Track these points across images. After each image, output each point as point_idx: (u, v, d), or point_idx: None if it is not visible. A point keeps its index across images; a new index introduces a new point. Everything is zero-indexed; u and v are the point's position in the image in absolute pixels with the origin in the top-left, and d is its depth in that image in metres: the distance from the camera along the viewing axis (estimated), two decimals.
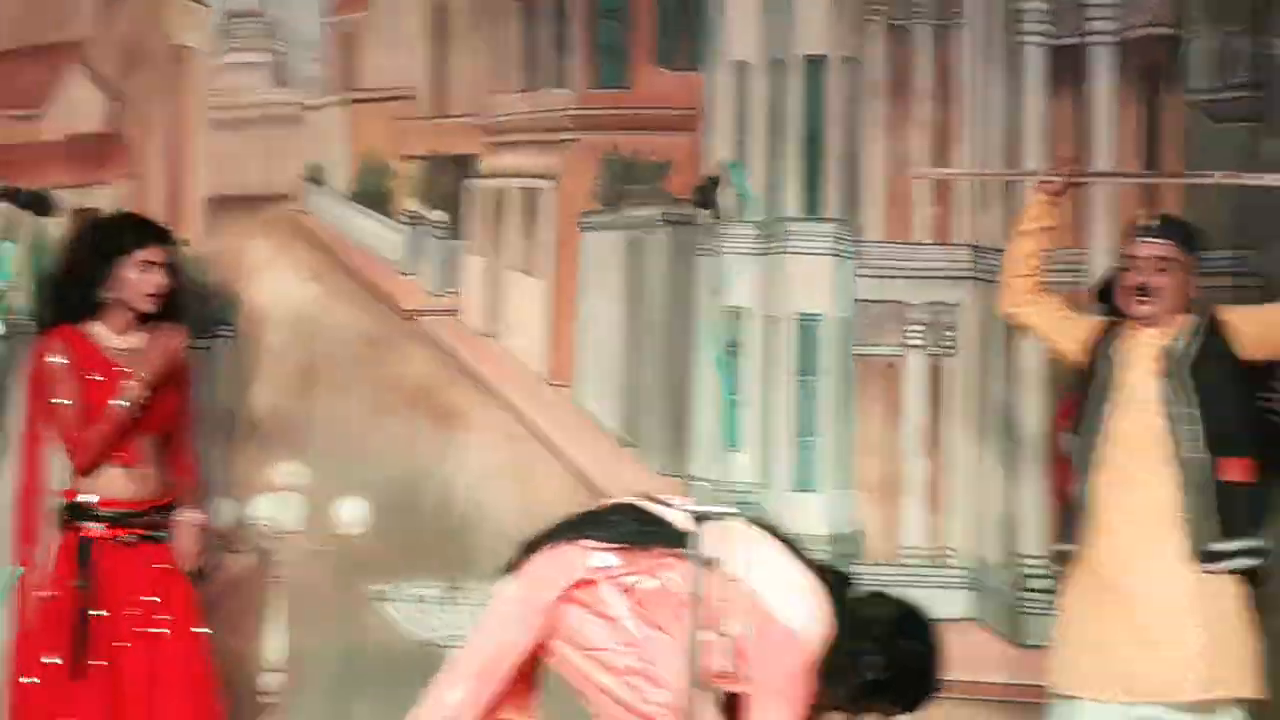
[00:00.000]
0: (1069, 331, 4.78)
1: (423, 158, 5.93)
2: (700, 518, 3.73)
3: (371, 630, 5.73)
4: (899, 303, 5.59)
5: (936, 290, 5.52)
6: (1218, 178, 4.79)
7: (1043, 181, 4.83)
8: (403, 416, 5.79)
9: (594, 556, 3.87)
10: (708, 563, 3.61)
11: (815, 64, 5.63)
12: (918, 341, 5.58)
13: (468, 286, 5.89)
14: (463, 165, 5.89)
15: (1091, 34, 5.50)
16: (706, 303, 5.49)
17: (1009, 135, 5.56)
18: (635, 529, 3.89)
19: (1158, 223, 4.70)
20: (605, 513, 4.01)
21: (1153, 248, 4.64)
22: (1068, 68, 5.52)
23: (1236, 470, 4.54)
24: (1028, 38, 5.56)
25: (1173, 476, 4.52)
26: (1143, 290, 4.62)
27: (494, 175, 5.90)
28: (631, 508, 4.01)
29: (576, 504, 5.56)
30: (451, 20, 5.92)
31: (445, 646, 5.61)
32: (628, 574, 3.86)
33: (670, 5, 5.77)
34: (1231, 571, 4.50)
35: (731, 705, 3.83)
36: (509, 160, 5.89)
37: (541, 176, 5.86)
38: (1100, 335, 4.70)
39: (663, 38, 5.77)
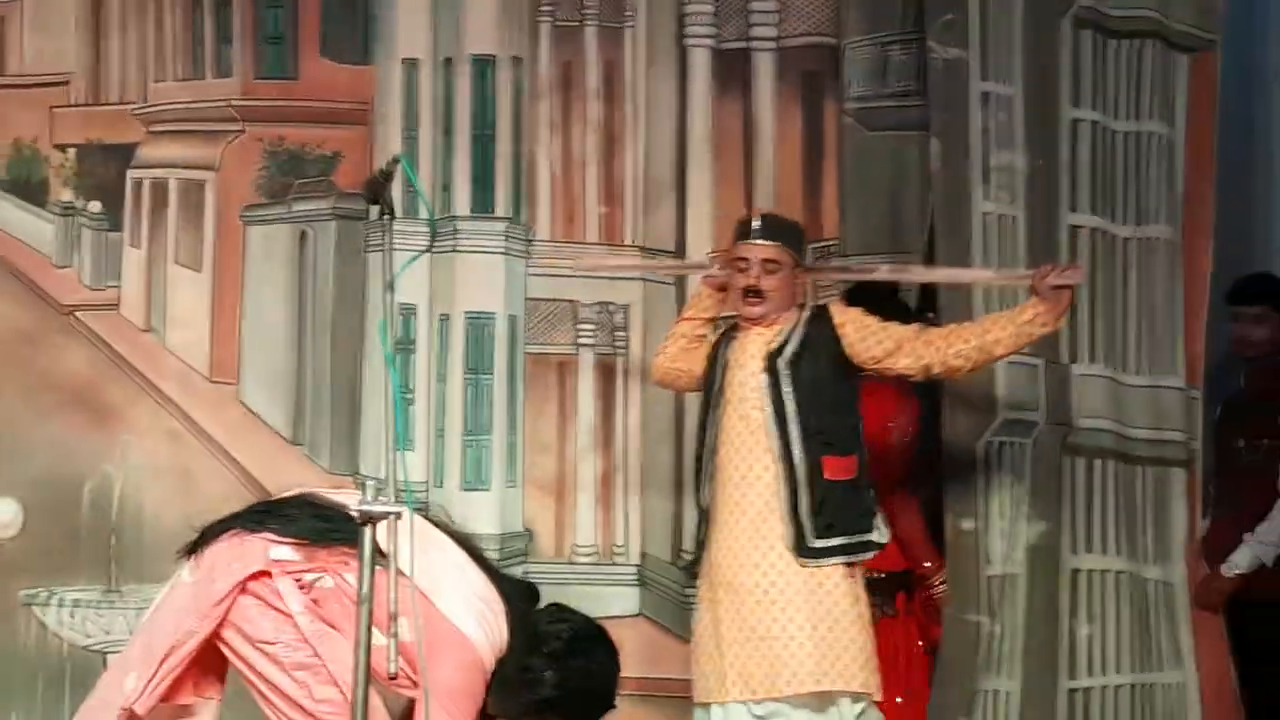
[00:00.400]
0: (700, 353, 4.80)
1: (79, 147, 5.76)
2: (367, 517, 3.71)
3: (23, 636, 5.58)
4: (570, 302, 5.66)
5: (607, 290, 5.60)
6: (884, 271, 4.91)
7: (707, 277, 4.88)
8: (59, 414, 5.64)
9: (274, 549, 3.81)
10: (380, 561, 3.59)
11: (484, 63, 5.65)
12: (589, 341, 5.66)
13: (127, 280, 5.76)
14: (122, 155, 5.75)
15: (755, 39, 5.65)
16: (377, 299, 5.46)
17: (677, 136, 5.68)
18: (316, 525, 3.83)
19: (761, 224, 4.69)
20: (286, 505, 3.94)
21: (760, 249, 4.64)
22: (735, 72, 5.68)
23: (838, 469, 4.59)
24: (694, 40, 5.69)
25: (778, 473, 4.58)
26: (753, 292, 4.63)
27: (154, 165, 5.78)
28: (311, 502, 3.96)
29: (242, 504, 5.51)
30: (109, 4, 5.77)
31: (103, 652, 5.48)
32: (306, 570, 3.81)
33: None
34: (848, 564, 4.58)
35: (410, 712, 3.83)
36: (170, 150, 5.78)
37: (203, 167, 5.77)
38: (718, 342, 4.76)
39: (331, 31, 5.73)
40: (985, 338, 4.52)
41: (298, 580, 3.80)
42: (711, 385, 4.71)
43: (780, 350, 4.64)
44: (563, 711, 3.85)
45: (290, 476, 5.58)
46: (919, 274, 4.82)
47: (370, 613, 3.70)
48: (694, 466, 4.80)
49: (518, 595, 3.90)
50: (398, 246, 3.91)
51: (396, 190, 3.99)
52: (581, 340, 5.66)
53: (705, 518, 4.70)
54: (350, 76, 5.72)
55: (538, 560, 5.58)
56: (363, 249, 5.67)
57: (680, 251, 5.65)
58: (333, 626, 3.79)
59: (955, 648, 5.00)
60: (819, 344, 4.64)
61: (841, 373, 4.64)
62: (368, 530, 3.68)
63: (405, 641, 3.62)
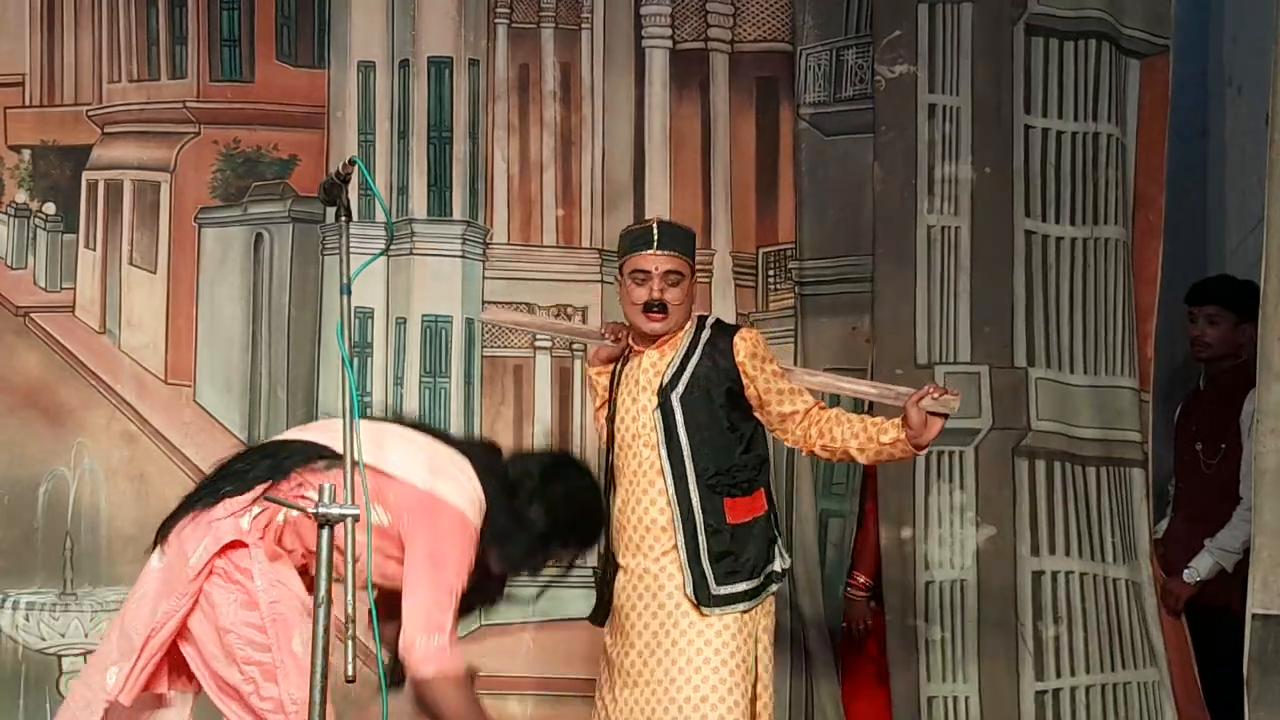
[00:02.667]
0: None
1: (33, 148, 5.80)
2: (325, 519, 3.75)
3: None
4: (528, 305, 5.71)
5: (564, 293, 5.64)
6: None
7: (595, 351, 4.67)
8: (13, 416, 5.68)
9: (243, 519, 3.83)
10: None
11: (441, 65, 5.69)
12: (546, 344, 5.72)
13: (82, 282, 5.79)
14: (77, 156, 5.79)
15: (711, 41, 5.73)
16: (333, 302, 5.50)
17: (635, 138, 5.75)
18: (268, 464, 3.87)
19: (660, 233, 4.44)
20: (235, 461, 3.98)
21: (662, 260, 4.39)
22: (692, 75, 5.76)
23: (743, 510, 4.41)
24: (651, 42, 5.76)
25: (673, 518, 4.38)
26: (656, 306, 4.39)
27: (109, 167, 5.82)
28: (261, 447, 4.02)
29: None
30: (64, 5, 5.81)
31: (58, 655, 5.50)
32: (267, 516, 3.85)
33: (293, 1, 5.78)
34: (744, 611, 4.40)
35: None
36: (124, 152, 5.82)
37: (158, 169, 5.81)
38: (616, 363, 4.57)
39: (286, 34, 5.75)
40: (850, 443, 4.33)
41: (261, 531, 3.82)
42: (611, 413, 4.50)
43: (675, 380, 4.41)
44: (561, 540, 3.98)
45: None
46: (800, 376, 4.55)
47: (328, 614, 3.76)
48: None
49: (482, 452, 3.97)
50: (354, 249, 3.96)
51: (353, 193, 4.04)
52: (539, 343, 5.72)
53: (609, 560, 4.54)
54: (306, 79, 5.78)
55: None
56: (319, 252, 5.72)
57: None
58: (295, 571, 3.84)
59: (896, 651, 5.09)
60: (717, 374, 4.41)
61: (740, 404, 4.43)
62: (325, 532, 3.73)
63: (382, 525, 3.68)
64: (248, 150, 5.76)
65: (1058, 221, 5.32)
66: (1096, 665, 5.26)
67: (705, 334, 4.48)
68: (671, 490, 4.39)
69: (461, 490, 3.85)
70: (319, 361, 5.68)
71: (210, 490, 3.95)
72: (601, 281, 5.69)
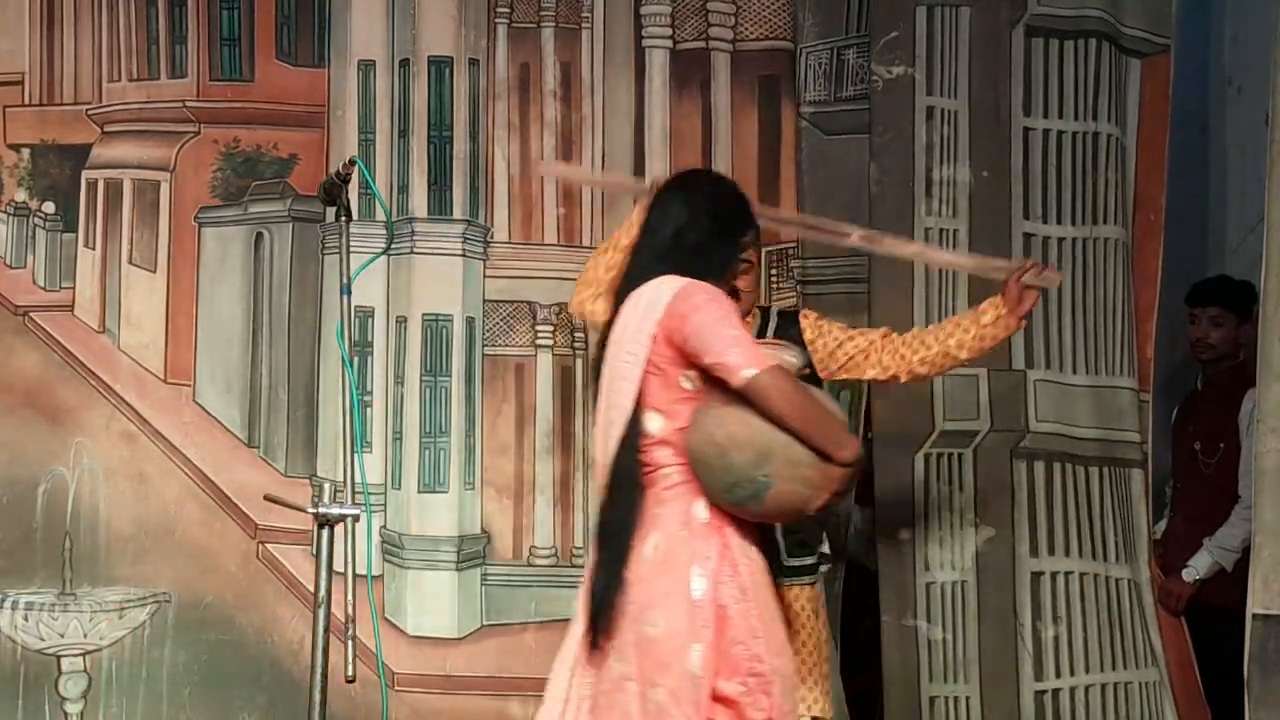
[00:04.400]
0: None
1: (33, 147, 5.83)
2: (325, 520, 3.78)
3: None
4: (528, 303, 5.74)
5: (565, 292, 5.65)
6: (855, 237, 4.63)
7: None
8: (12, 416, 5.70)
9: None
10: None
11: (441, 65, 5.72)
12: (547, 342, 5.75)
13: (81, 281, 5.82)
14: (77, 155, 5.82)
15: (712, 40, 5.77)
16: (333, 302, 5.51)
17: (635, 137, 5.78)
18: None
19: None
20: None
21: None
22: (692, 74, 5.80)
23: None
24: (651, 41, 5.79)
25: None
26: (732, 293, 4.46)
27: (108, 166, 5.84)
28: None
29: (197, 506, 5.59)
30: (63, 4, 5.84)
31: (57, 655, 5.53)
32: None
33: (293, 0, 5.82)
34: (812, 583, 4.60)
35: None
36: (124, 151, 5.85)
37: (158, 168, 5.83)
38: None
39: (286, 33, 5.78)
40: (948, 342, 4.41)
41: None
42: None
43: None
44: (728, 229, 4.05)
45: (246, 478, 5.69)
46: (889, 245, 4.62)
47: (328, 614, 3.79)
48: None
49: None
50: (354, 249, 4.00)
51: (353, 192, 4.07)
52: (540, 342, 5.75)
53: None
54: (306, 79, 5.81)
55: (496, 562, 5.69)
56: (319, 251, 5.75)
57: None
58: None
59: (895, 652, 5.12)
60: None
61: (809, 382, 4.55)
62: (324, 533, 3.77)
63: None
64: (248, 149, 5.79)
65: (1058, 222, 5.34)
66: (1096, 665, 5.28)
67: (773, 322, 4.64)
68: None
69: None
70: (319, 361, 5.72)
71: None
72: None
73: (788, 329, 4.60)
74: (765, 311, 4.70)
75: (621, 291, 4.03)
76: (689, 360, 3.87)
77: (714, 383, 3.85)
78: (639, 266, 4.03)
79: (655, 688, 3.77)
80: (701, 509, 3.87)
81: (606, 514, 3.93)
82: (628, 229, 4.38)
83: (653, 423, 3.89)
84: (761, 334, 4.61)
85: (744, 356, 3.78)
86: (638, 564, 3.84)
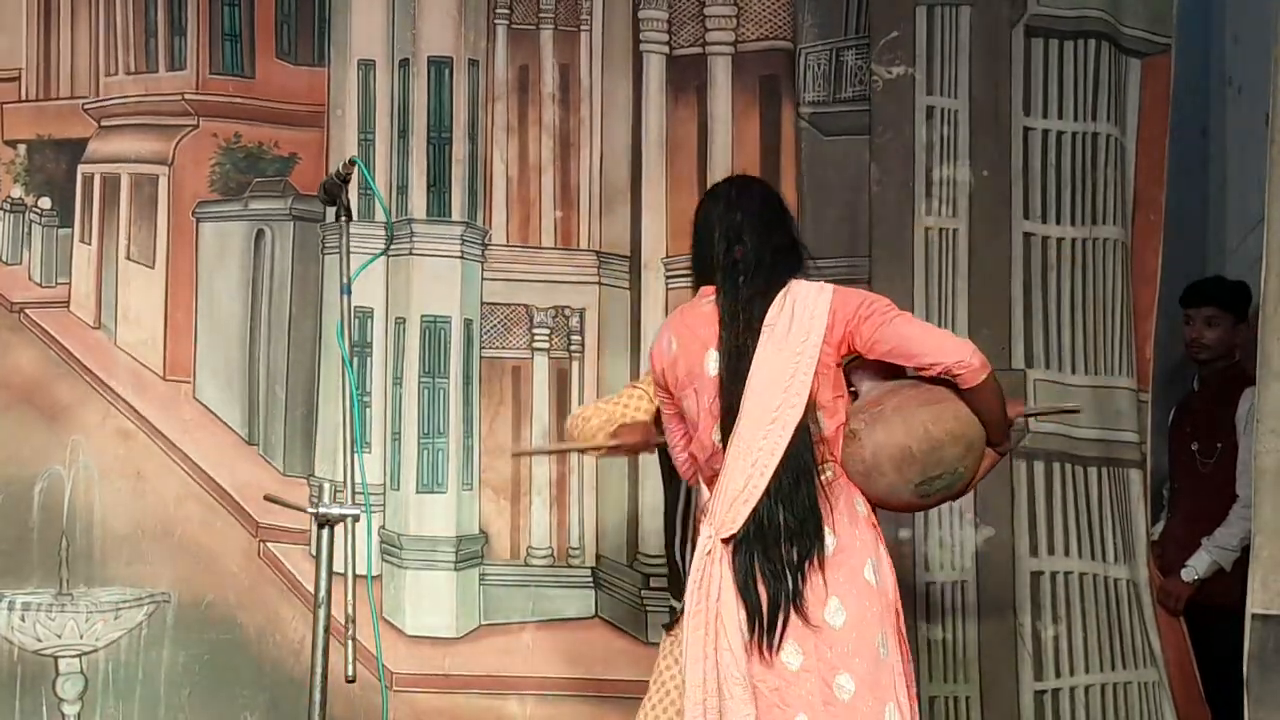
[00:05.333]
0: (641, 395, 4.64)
1: (29, 142, 5.82)
2: (325, 519, 3.78)
3: None
4: (526, 306, 5.75)
5: (562, 295, 5.68)
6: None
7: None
8: (8, 414, 5.70)
9: None
10: None
11: (441, 65, 5.72)
12: (544, 345, 5.76)
13: (77, 277, 5.81)
14: (73, 150, 5.81)
15: (710, 44, 5.76)
16: (333, 301, 5.54)
17: (632, 140, 5.78)
18: None
19: None
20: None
21: None
22: (690, 75, 5.79)
23: None
24: (649, 45, 5.79)
25: None
26: None
27: (105, 160, 5.83)
28: None
29: (196, 504, 5.59)
30: None
31: (55, 656, 5.53)
32: None
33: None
34: None
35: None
36: (122, 145, 5.84)
37: (156, 162, 5.82)
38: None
39: (286, 31, 5.78)
40: None
41: None
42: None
43: None
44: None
45: (245, 476, 5.69)
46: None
47: (328, 614, 3.80)
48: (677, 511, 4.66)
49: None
50: (354, 249, 4.00)
51: (353, 193, 4.07)
52: (537, 344, 5.76)
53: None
54: (306, 77, 5.81)
55: (493, 562, 5.70)
56: (319, 251, 5.75)
57: (635, 255, 5.74)
58: None
59: None
60: None
61: None
62: (324, 533, 3.77)
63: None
64: (249, 145, 5.79)
65: (1058, 222, 5.35)
66: (1096, 665, 5.30)
67: None
68: None
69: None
70: (319, 360, 5.71)
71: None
72: (599, 283, 5.75)
73: None
74: None
75: (733, 290, 4.06)
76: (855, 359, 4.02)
77: (871, 375, 4.02)
78: (751, 269, 4.08)
79: (841, 673, 3.84)
80: (861, 504, 3.99)
81: (785, 511, 3.92)
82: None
83: (820, 421, 3.97)
84: None
85: (977, 353, 3.95)
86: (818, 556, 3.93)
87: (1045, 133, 5.35)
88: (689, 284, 5.57)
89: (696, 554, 4.00)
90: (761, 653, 3.87)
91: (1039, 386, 5.29)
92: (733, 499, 3.92)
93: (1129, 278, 5.41)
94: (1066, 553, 5.31)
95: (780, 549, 3.90)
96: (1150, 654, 5.35)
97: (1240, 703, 4.42)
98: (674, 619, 4.51)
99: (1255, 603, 4.38)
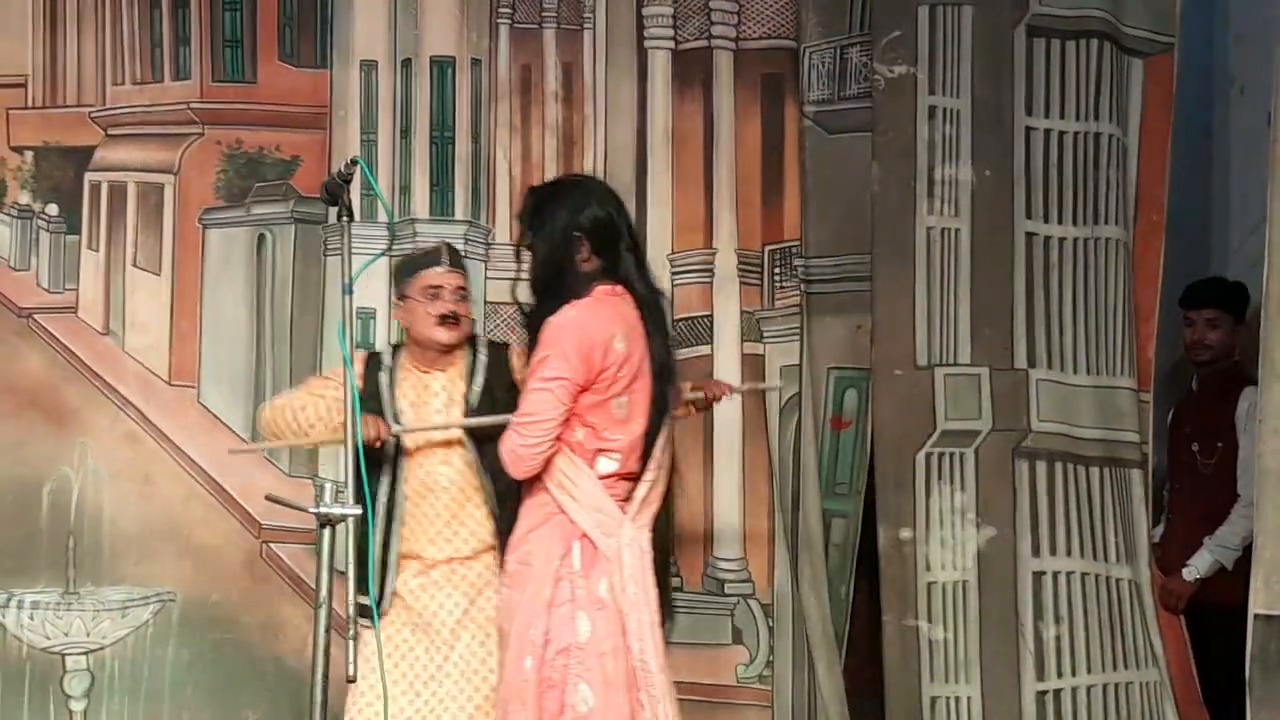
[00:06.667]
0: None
1: (36, 149, 5.82)
2: (326, 519, 3.77)
3: None
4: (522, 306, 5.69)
5: None
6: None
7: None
8: (17, 417, 5.71)
9: None
10: None
11: (443, 65, 5.71)
12: None
13: (85, 283, 5.82)
14: (80, 157, 5.81)
15: (715, 39, 5.73)
16: (335, 302, 5.53)
17: (637, 138, 5.76)
18: None
19: (449, 254, 4.77)
20: None
21: (454, 277, 4.74)
22: (694, 73, 5.77)
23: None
24: (653, 42, 5.76)
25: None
26: (453, 317, 4.71)
27: (112, 168, 5.83)
28: None
29: (201, 506, 5.58)
30: (66, 6, 5.83)
31: (62, 654, 5.53)
32: None
33: (295, 1, 5.80)
34: None
35: None
36: (128, 153, 5.84)
37: (162, 170, 5.83)
38: (370, 371, 4.77)
39: (289, 34, 5.78)
40: None
41: None
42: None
43: (468, 395, 4.71)
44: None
45: (249, 478, 5.67)
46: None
47: (330, 614, 3.79)
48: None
49: None
50: (356, 250, 3.99)
51: (355, 193, 4.06)
52: None
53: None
54: (308, 80, 5.80)
55: None
56: (322, 252, 5.73)
57: None
58: None
59: (895, 652, 5.10)
60: (501, 387, 4.69)
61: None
62: (325, 533, 3.76)
63: None
64: (250, 151, 5.78)
65: (1060, 222, 5.32)
66: (1098, 665, 5.27)
67: (484, 355, 4.80)
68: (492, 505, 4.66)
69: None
70: (321, 361, 5.70)
71: None
72: None
73: (500, 372, 4.75)
74: (474, 342, 4.81)
75: (645, 286, 4.41)
76: None
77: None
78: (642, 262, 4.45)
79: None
80: None
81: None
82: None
83: None
84: (472, 368, 4.74)
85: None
86: None
87: (1047, 132, 5.32)
88: (696, 280, 5.65)
89: (625, 545, 4.24)
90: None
91: (1041, 386, 5.26)
92: (649, 494, 4.32)
93: (1131, 278, 5.38)
94: (1068, 553, 5.28)
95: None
96: (1152, 654, 5.32)
97: (1239, 702, 4.40)
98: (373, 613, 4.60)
99: (1258, 603, 4.36)
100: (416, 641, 4.69)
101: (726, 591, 5.60)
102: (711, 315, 5.67)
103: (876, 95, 5.25)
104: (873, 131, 5.27)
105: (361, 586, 4.45)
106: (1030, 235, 5.29)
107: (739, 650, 5.60)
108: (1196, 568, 5.43)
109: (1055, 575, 5.28)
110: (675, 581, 5.32)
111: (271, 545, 5.66)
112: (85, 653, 5.62)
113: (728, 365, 5.64)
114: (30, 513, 5.66)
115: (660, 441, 4.36)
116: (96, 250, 5.81)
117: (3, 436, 5.68)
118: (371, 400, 4.69)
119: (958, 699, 5.19)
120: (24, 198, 5.80)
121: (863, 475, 5.41)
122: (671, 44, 5.76)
